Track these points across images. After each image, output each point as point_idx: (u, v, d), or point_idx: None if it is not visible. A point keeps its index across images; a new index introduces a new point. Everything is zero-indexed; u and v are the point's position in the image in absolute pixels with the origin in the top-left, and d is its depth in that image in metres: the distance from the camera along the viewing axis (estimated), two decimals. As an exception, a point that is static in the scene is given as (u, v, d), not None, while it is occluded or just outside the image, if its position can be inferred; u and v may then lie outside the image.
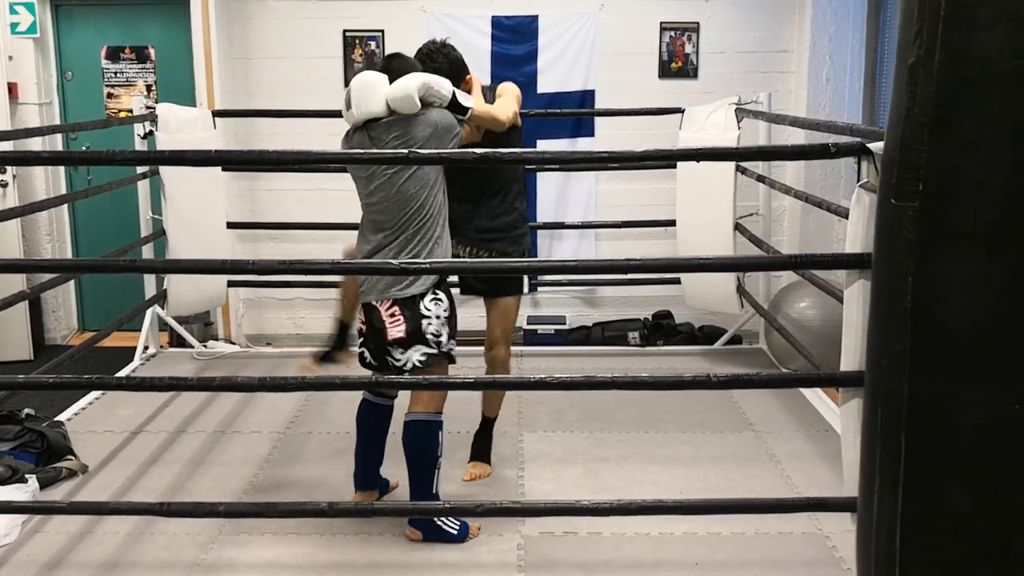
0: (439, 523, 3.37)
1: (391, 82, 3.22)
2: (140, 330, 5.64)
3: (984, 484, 1.34)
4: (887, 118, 1.38)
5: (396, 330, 3.23)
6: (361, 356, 3.43)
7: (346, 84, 6.02)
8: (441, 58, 3.56)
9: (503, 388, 4.03)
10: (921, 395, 1.34)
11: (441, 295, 3.30)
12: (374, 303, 3.27)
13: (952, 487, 1.33)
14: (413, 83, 3.19)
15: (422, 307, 3.24)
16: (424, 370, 3.24)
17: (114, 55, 6.34)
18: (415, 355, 3.24)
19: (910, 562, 1.36)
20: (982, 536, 1.35)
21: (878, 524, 1.39)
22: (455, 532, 3.38)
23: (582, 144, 6.16)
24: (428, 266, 3.01)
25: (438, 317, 3.27)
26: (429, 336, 3.24)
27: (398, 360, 3.25)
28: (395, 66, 3.32)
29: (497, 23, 6.06)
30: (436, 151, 3.19)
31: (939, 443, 1.32)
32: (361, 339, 3.41)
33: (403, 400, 3.45)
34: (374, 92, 3.23)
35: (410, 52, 3.54)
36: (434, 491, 3.33)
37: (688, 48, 6.14)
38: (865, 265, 2.61)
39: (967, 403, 1.32)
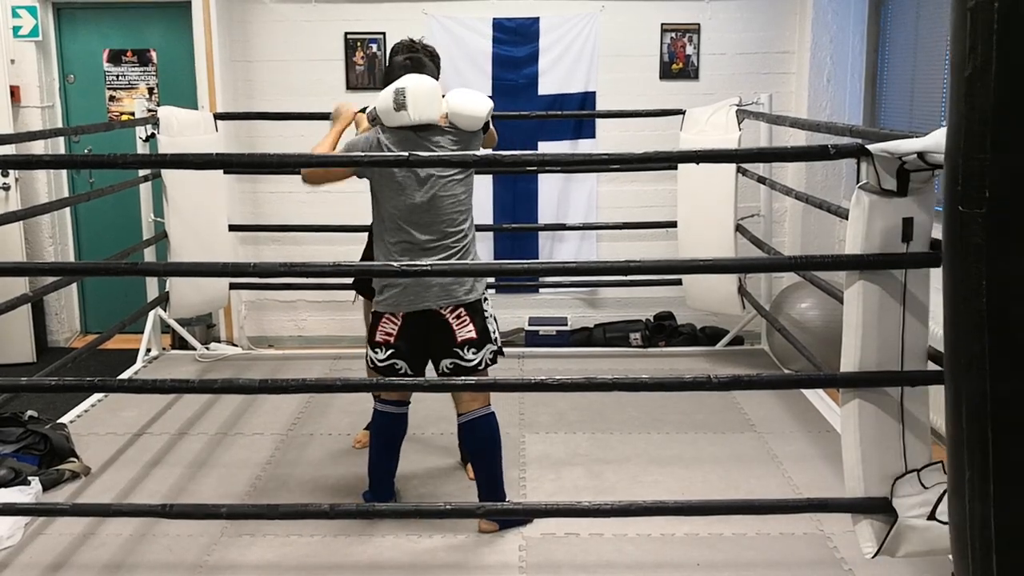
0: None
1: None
2: (142, 332, 5.66)
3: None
4: (946, 126, 1.47)
5: (466, 332, 3.38)
6: (391, 367, 3.40)
7: (348, 87, 6.14)
8: (436, 61, 3.67)
9: (507, 390, 4.04)
10: (1002, 392, 1.42)
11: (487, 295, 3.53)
12: (434, 308, 3.35)
13: None
14: (485, 108, 3.41)
15: (484, 309, 3.44)
16: (489, 368, 3.45)
17: (116, 58, 6.35)
18: (487, 354, 3.42)
19: (1006, 545, 1.45)
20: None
21: (971, 513, 1.48)
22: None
23: (583, 146, 6.16)
24: (428, 268, 3.01)
25: (494, 317, 3.51)
26: (494, 335, 3.47)
27: (469, 360, 3.38)
28: (427, 70, 3.48)
29: (498, 25, 6.07)
30: (436, 155, 3.25)
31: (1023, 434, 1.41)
32: (390, 349, 3.39)
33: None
34: (435, 100, 3.33)
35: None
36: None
37: (689, 49, 6.15)
38: (865, 266, 2.63)
39: None
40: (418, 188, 3.32)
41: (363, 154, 3.31)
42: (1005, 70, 1.34)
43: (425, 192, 3.32)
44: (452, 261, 3.35)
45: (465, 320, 3.37)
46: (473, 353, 3.37)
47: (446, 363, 3.39)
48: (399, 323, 3.38)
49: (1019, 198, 1.36)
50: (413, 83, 3.29)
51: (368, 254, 3.94)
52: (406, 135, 3.33)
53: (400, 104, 3.25)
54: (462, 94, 3.44)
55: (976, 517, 1.45)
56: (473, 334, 3.37)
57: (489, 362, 3.43)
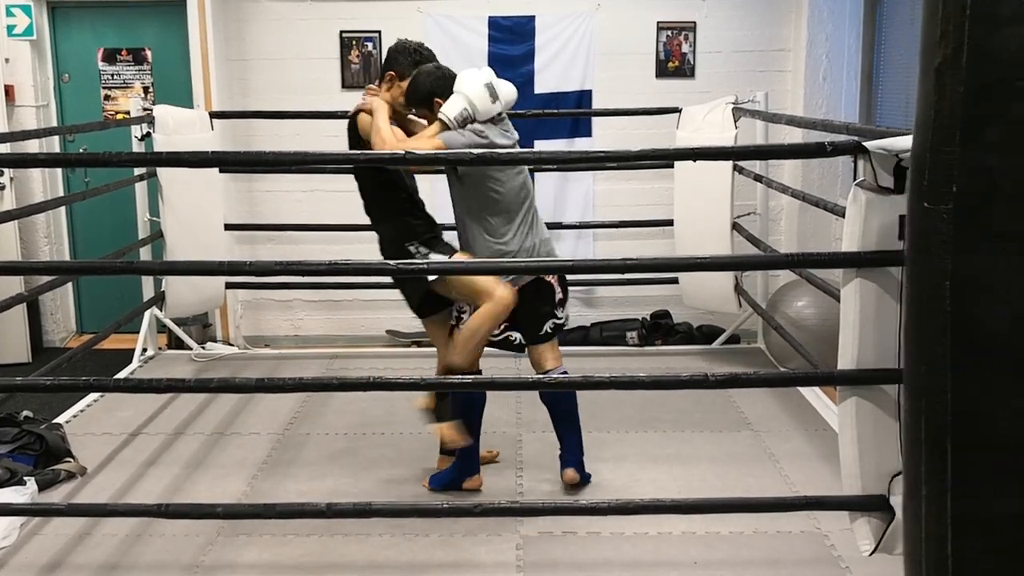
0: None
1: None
2: (138, 332, 5.64)
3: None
4: (914, 120, 1.37)
5: (559, 293, 3.70)
6: (507, 340, 3.73)
7: (343, 85, 6.13)
8: None
9: (504, 388, 4.04)
10: (965, 398, 1.33)
11: None
12: (544, 276, 3.64)
13: (1001, 489, 1.32)
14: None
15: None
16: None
17: (111, 57, 6.34)
18: (567, 311, 3.78)
19: (962, 566, 1.35)
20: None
21: (927, 531, 1.38)
22: None
23: (580, 144, 6.16)
24: (426, 266, 3.00)
25: None
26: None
27: (560, 318, 3.74)
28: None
29: (494, 23, 6.06)
30: (433, 151, 3.26)
31: (986, 446, 1.31)
32: (505, 322, 3.63)
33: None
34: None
35: None
36: None
37: (685, 47, 6.15)
38: (862, 264, 2.62)
39: (1014, 405, 1.30)
40: (516, 171, 3.62)
41: (358, 152, 3.29)
42: (976, 59, 1.26)
43: (518, 175, 3.64)
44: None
45: (555, 282, 3.68)
46: (561, 312, 3.72)
47: (548, 325, 3.69)
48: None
49: (988, 194, 1.27)
50: (488, 75, 3.58)
51: (393, 252, 3.77)
52: (491, 125, 3.56)
53: (495, 96, 3.53)
54: (497, 81, 3.60)
55: (932, 536, 1.36)
56: (562, 294, 3.71)
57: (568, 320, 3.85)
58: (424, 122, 3.69)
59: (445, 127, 3.49)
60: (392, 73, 3.71)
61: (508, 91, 3.61)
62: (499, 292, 3.49)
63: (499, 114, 3.58)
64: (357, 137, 3.66)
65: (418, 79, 3.60)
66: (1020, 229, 1.25)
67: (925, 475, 1.37)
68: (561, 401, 3.78)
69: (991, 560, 1.34)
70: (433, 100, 3.55)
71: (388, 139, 3.49)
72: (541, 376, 3.66)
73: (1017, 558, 1.34)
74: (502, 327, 3.67)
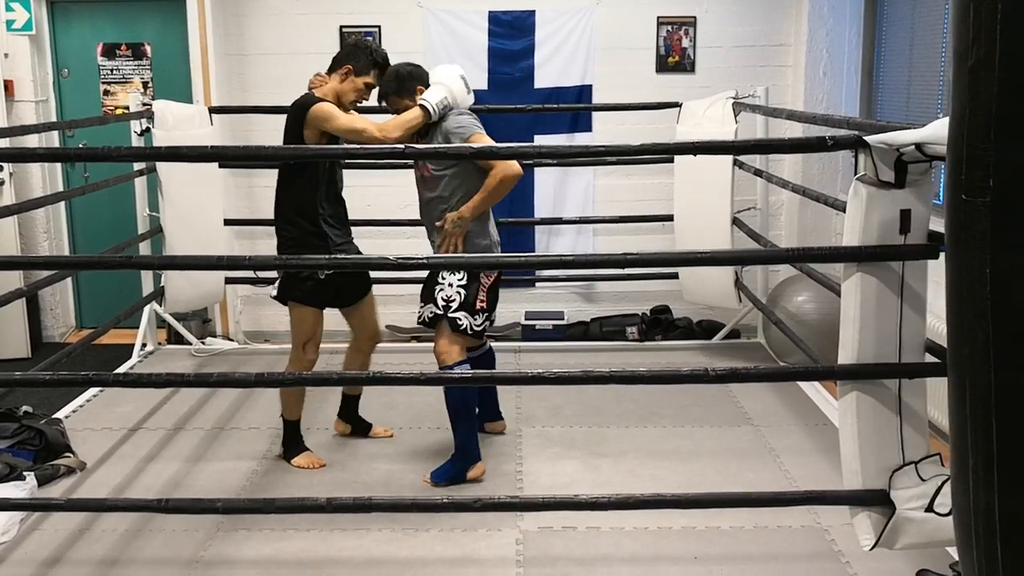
0: None
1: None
2: (138, 327, 5.64)
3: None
4: (948, 116, 1.51)
5: (484, 297, 3.83)
6: (483, 330, 3.84)
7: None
8: None
9: (503, 383, 4.04)
10: (1007, 379, 1.42)
11: None
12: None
13: None
14: None
15: None
16: None
17: (110, 52, 6.33)
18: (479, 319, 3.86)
19: (1011, 527, 1.46)
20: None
21: (975, 502, 1.50)
22: None
23: (580, 139, 6.14)
24: (424, 261, 3.00)
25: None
26: None
27: (441, 312, 3.80)
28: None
29: (494, 18, 6.05)
30: (433, 147, 3.28)
31: None
32: (486, 312, 3.80)
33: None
34: None
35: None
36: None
37: (685, 42, 6.14)
38: (862, 258, 2.62)
39: None
40: None
41: (354, 147, 3.29)
42: (1008, 61, 1.35)
43: None
44: None
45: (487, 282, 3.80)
46: (461, 313, 3.77)
47: (428, 311, 3.80)
48: (489, 283, 3.76)
49: (1022, 187, 1.38)
50: (461, 69, 3.81)
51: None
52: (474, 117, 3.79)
53: (469, 89, 3.76)
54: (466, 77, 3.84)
55: (980, 505, 1.46)
56: (484, 302, 3.82)
57: None
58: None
59: (426, 112, 3.64)
60: (349, 67, 3.78)
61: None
62: (308, 356, 3.95)
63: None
64: (301, 127, 3.80)
65: (401, 71, 3.79)
66: None
67: (972, 446, 1.47)
68: (448, 395, 3.82)
69: None
70: (416, 87, 3.75)
71: (383, 123, 3.62)
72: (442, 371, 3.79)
73: None
74: (484, 316, 3.78)
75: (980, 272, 1.39)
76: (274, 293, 3.97)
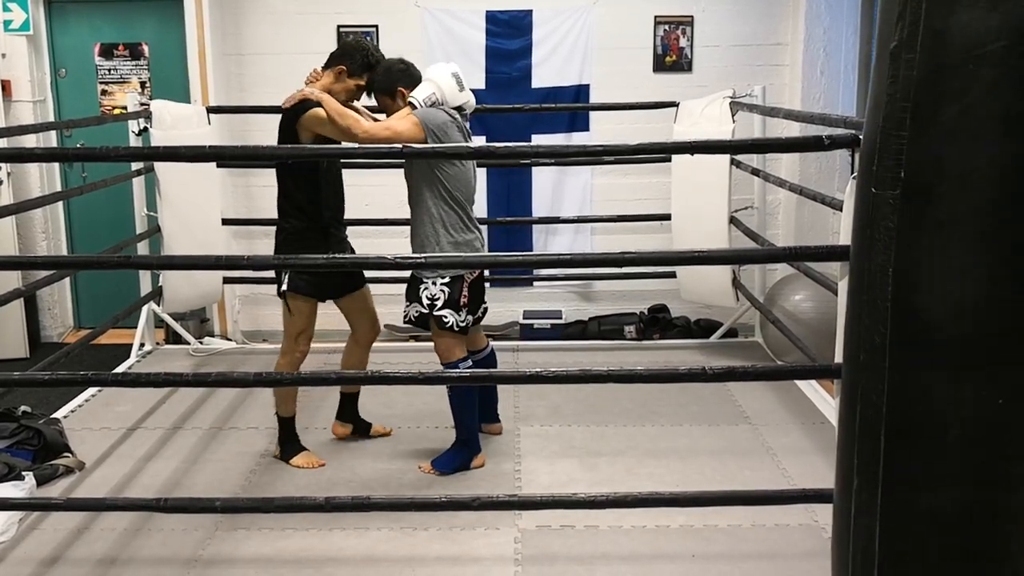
0: None
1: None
2: (136, 327, 5.63)
3: (968, 481, 1.29)
4: (868, 104, 1.36)
5: (466, 295, 3.82)
6: (467, 326, 3.83)
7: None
8: None
9: (502, 382, 4.04)
10: (902, 390, 1.29)
11: None
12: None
13: (935, 485, 1.29)
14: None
15: None
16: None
17: (108, 52, 6.33)
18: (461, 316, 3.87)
19: (890, 562, 1.33)
20: (966, 535, 1.30)
21: (855, 524, 1.35)
22: None
23: (577, 139, 6.15)
24: (423, 260, 3.01)
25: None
26: None
27: (426, 311, 3.82)
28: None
29: (491, 18, 6.05)
30: (431, 146, 3.29)
31: (921, 440, 1.28)
32: (469, 307, 3.79)
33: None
34: None
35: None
36: None
37: (683, 42, 6.14)
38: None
39: (950, 398, 1.27)
40: (469, 164, 3.78)
41: (351, 147, 3.30)
42: (931, 41, 1.23)
43: (472, 169, 3.80)
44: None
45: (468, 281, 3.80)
46: (447, 311, 3.79)
47: (413, 310, 3.82)
48: (472, 278, 3.76)
49: (936, 180, 1.24)
50: (456, 67, 3.78)
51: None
52: (454, 118, 3.72)
53: (461, 86, 3.74)
54: (462, 79, 3.81)
55: (860, 533, 1.32)
56: (467, 298, 3.82)
57: None
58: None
59: (415, 109, 3.67)
60: (343, 68, 3.77)
61: (471, 95, 3.83)
62: (300, 348, 3.96)
63: (462, 111, 3.79)
64: (295, 131, 3.80)
65: (391, 67, 3.80)
66: (967, 217, 1.22)
67: (857, 467, 1.33)
68: (451, 389, 3.90)
69: (919, 554, 1.31)
70: (398, 89, 3.77)
71: (369, 125, 3.62)
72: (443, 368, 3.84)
73: (944, 553, 1.31)
74: (467, 312, 3.79)
75: (883, 271, 1.26)
76: (280, 290, 3.92)
